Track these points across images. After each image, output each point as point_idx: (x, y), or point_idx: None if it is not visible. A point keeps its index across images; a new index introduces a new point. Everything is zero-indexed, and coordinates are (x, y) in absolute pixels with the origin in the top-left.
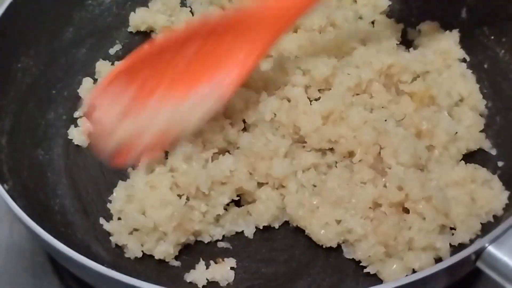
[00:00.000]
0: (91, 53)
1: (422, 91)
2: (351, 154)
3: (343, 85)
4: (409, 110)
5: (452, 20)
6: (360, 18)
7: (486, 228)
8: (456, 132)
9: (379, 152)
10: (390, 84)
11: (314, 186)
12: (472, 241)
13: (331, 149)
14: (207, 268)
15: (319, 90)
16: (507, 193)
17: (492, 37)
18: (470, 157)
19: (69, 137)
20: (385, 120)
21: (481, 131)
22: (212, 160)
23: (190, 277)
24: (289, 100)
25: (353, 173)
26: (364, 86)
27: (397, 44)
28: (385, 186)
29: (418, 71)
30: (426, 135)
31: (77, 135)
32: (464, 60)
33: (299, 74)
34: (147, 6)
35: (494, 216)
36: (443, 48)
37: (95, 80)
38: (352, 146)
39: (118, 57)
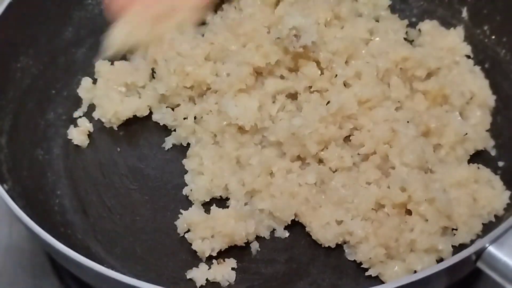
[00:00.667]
0: (90, 53)
1: (436, 90)
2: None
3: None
4: (422, 108)
5: (453, 19)
6: (360, 16)
7: (486, 228)
8: (466, 133)
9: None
10: (405, 79)
11: (323, 182)
12: (472, 242)
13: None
14: (209, 268)
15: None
16: (508, 193)
17: (493, 37)
18: (470, 157)
19: (69, 137)
20: (408, 122)
21: (486, 130)
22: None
23: (190, 274)
24: None
25: (359, 173)
26: (380, 76)
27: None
28: (388, 187)
29: (432, 67)
30: (434, 134)
31: (77, 135)
32: (469, 57)
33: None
34: None
35: (495, 216)
36: (449, 45)
37: (94, 80)
38: (364, 139)
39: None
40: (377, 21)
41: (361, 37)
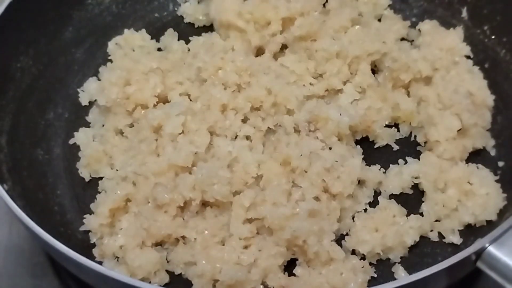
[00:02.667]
0: (90, 53)
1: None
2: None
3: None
4: (382, 96)
5: (453, 19)
6: (360, 15)
7: (486, 228)
8: (460, 129)
9: None
10: (390, 78)
11: None
12: (472, 241)
13: None
14: None
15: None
16: (503, 197)
17: (493, 37)
18: (470, 156)
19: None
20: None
21: (486, 130)
22: None
23: None
24: None
25: None
26: (348, 61)
27: (400, 40)
28: None
29: (423, 72)
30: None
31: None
32: (469, 57)
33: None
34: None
35: (488, 221)
36: (449, 45)
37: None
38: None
39: None
40: (379, 20)
41: (342, 24)
